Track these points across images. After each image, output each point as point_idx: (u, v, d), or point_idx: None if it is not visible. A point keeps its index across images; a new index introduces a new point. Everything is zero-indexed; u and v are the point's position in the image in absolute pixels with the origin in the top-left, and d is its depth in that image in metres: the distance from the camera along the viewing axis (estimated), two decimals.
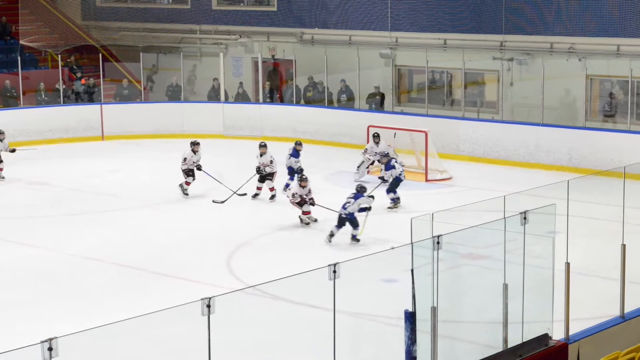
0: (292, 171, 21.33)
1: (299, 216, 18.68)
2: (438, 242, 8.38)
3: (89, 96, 29.28)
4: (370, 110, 27.90)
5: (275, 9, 30.71)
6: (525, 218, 9.20)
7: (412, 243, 8.53)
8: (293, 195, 18.52)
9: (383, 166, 20.69)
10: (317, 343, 8.10)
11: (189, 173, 21.10)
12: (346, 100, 28.57)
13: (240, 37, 31.00)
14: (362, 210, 17.36)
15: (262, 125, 28.03)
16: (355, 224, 17.26)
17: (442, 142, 24.11)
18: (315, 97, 29.00)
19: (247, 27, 31.11)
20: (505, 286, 9.11)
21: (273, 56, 30.35)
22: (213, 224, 19.10)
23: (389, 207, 19.77)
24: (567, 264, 10.78)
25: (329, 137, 27.09)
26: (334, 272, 7.52)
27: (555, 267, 10.04)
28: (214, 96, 29.39)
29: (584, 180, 19.18)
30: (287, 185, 20.95)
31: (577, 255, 11.03)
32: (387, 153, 21.41)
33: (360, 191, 17.49)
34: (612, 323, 11.56)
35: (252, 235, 18.18)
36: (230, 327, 10.95)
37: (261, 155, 20.97)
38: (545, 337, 8.83)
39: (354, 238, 17.29)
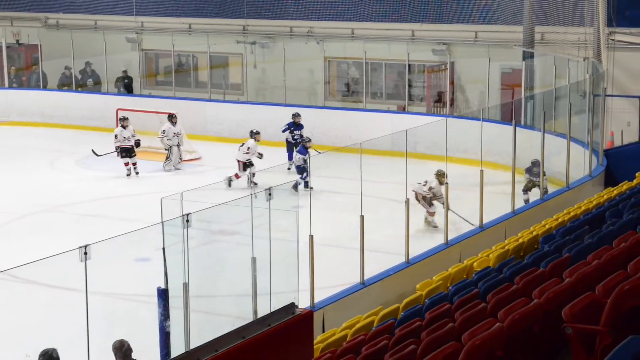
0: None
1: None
2: (188, 220, 8.35)
3: None
4: (118, 93, 27.45)
5: None
6: (270, 194, 9.31)
7: (162, 222, 8.47)
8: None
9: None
10: (71, 325, 7.91)
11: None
12: (93, 84, 27.96)
13: None
14: None
15: (9, 110, 26.93)
16: None
17: (190, 124, 24.03)
18: (63, 81, 28.21)
19: None
20: (254, 260, 9.20)
21: (17, 41, 29.23)
22: None
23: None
24: (311, 237, 11.06)
25: (77, 121, 26.38)
26: (85, 253, 7.36)
27: (300, 240, 10.25)
28: None
29: (324, 157, 19.70)
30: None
31: (320, 228, 11.32)
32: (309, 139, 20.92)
33: None
34: (354, 289, 11.97)
35: (1, 220, 17.49)
36: None
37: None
38: (292, 306, 8.98)
39: None
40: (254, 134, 20.14)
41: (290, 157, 21.11)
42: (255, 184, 18.67)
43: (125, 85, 27.83)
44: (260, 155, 19.81)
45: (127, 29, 28.04)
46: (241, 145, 20.06)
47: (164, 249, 8.46)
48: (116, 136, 21.12)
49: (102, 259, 7.57)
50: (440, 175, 16.16)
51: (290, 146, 21.26)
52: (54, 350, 7.96)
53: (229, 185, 19.50)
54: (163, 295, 8.72)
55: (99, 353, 8.16)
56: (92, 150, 21.83)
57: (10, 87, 28.32)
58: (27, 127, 26.16)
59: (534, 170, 17.33)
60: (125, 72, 27.91)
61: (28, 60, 29.50)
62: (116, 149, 21.06)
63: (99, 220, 17.44)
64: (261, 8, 26.65)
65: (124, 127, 21.15)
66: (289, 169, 20.72)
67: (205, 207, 8.87)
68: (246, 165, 19.77)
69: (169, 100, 25.75)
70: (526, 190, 17.39)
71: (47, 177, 20.95)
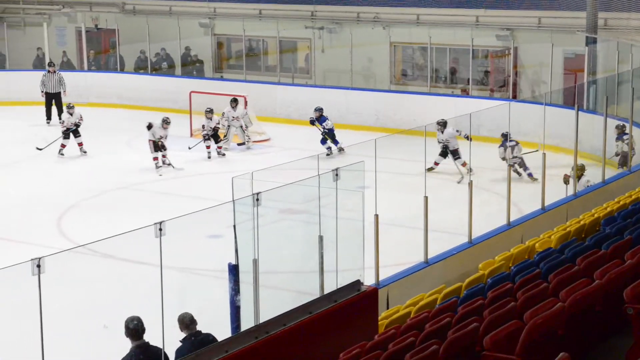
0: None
1: None
2: (257, 199, 8.38)
3: None
4: (191, 76, 27.64)
5: None
6: (337, 175, 9.30)
7: (233, 200, 8.51)
8: None
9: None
10: (147, 298, 8.00)
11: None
12: (167, 67, 28.21)
13: (63, 7, 30.03)
14: None
15: (88, 92, 27.30)
16: None
17: (260, 106, 24.13)
18: (138, 64, 28.50)
19: None
20: (321, 238, 9.21)
21: (96, 26, 29.58)
22: (41, 188, 18.55)
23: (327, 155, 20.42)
24: (376, 216, 11.02)
25: (152, 103, 26.64)
26: (160, 229, 7.42)
27: (365, 219, 10.23)
28: (38, 65, 28.41)
29: (389, 139, 19.61)
30: None
31: (385, 208, 11.28)
32: (321, 108, 21.61)
33: None
34: (417, 268, 11.91)
35: (81, 197, 17.76)
36: (61, 286, 10.68)
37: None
38: (357, 283, 8.98)
39: None
40: (440, 124, 19.84)
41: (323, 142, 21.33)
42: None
43: (197, 69, 28.04)
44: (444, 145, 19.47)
45: (200, 15, 28.18)
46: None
47: (234, 226, 8.51)
48: (203, 126, 21.22)
49: (176, 235, 7.63)
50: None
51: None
52: (131, 320, 8.02)
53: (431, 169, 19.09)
54: (234, 270, 8.77)
55: (172, 325, 8.24)
56: (189, 147, 21.60)
57: (90, 70, 28.70)
58: (105, 108, 26.48)
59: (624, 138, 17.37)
60: (195, 56, 28.09)
61: (106, 45, 29.86)
62: (203, 136, 21.17)
63: (172, 198, 17.61)
64: None
65: (209, 119, 21.15)
66: (328, 154, 20.76)
67: (275, 186, 8.89)
68: (445, 152, 19.49)
69: (240, 83, 25.86)
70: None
71: (124, 156, 21.20)
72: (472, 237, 12.75)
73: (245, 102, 23.04)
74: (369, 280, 9.99)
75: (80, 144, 21.07)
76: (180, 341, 8.15)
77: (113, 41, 29.01)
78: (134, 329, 7.97)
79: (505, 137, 17.95)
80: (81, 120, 21.20)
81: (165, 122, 20.16)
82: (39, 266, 6.61)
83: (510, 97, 23.37)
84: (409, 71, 26.41)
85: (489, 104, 20.32)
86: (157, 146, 19.91)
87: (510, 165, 17.65)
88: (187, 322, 8.27)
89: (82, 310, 11.61)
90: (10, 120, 25.06)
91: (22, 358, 9.03)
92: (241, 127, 22.05)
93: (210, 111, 21.35)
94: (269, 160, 20.28)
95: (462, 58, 25.12)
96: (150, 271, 7.67)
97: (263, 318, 8.15)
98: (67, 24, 30.12)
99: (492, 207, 15.49)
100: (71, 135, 21.02)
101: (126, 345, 8.00)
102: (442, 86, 25.21)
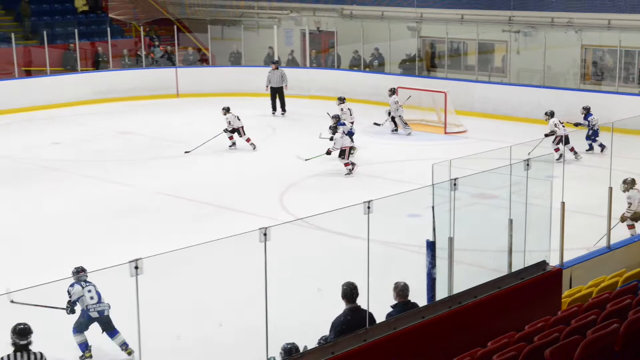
0: None
1: None
2: (455, 184, 8.35)
3: (168, 60, 29.38)
4: (398, 74, 27.71)
5: None
6: (528, 164, 9.12)
7: (433, 185, 8.52)
8: None
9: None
10: (354, 266, 8.14)
11: None
12: (377, 65, 28.42)
13: (291, 12, 30.80)
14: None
15: (309, 86, 27.93)
16: None
17: (459, 101, 23.89)
18: (352, 63, 28.84)
19: (296, 3, 30.86)
20: (511, 221, 9.08)
21: (318, 28, 30.17)
22: (265, 168, 19.13)
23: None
24: (563, 203, 10.73)
25: (363, 97, 26.94)
26: (368, 207, 7.53)
27: (553, 206, 9.98)
28: (269, 62, 29.28)
29: (578, 134, 19.00)
30: None
31: (571, 196, 10.96)
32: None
33: None
34: (600, 252, 11.52)
35: (299, 177, 18.21)
36: (282, 252, 11.02)
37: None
38: (543, 263, 8.80)
39: None
40: (547, 114, 19.48)
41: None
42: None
43: (407, 67, 28.10)
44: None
45: (408, 19, 28.17)
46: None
47: (433, 207, 8.52)
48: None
49: (381, 213, 7.71)
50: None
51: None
52: (343, 284, 8.14)
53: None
54: (431, 246, 8.80)
55: (376, 291, 8.34)
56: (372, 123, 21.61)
57: (311, 67, 29.32)
58: (323, 100, 26.97)
59: None
60: (409, 55, 28.15)
61: (325, 45, 30.38)
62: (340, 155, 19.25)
63: (378, 180, 17.74)
64: (526, 0, 25.95)
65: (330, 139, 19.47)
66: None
67: (470, 173, 8.82)
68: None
69: (442, 80, 25.70)
70: None
71: None
72: None
73: (445, 98, 22.87)
74: (554, 261, 9.75)
75: (247, 140, 20.77)
76: (392, 307, 8.21)
77: (332, 42, 29.49)
78: (344, 292, 8.13)
79: (588, 110, 19.10)
80: (230, 125, 20.71)
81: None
82: (265, 234, 6.86)
83: None
84: (598, 72, 25.40)
85: None
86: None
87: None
88: (398, 289, 8.31)
89: (300, 274, 11.93)
90: (244, 109, 25.99)
91: (249, 313, 9.39)
92: (395, 115, 22.08)
93: (333, 127, 19.32)
94: (466, 150, 20.09)
95: None
96: (358, 244, 7.79)
97: (456, 290, 8.13)
98: (293, 27, 30.87)
99: None
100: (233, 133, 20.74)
101: (341, 306, 8.15)
102: (630, 86, 24.11)
